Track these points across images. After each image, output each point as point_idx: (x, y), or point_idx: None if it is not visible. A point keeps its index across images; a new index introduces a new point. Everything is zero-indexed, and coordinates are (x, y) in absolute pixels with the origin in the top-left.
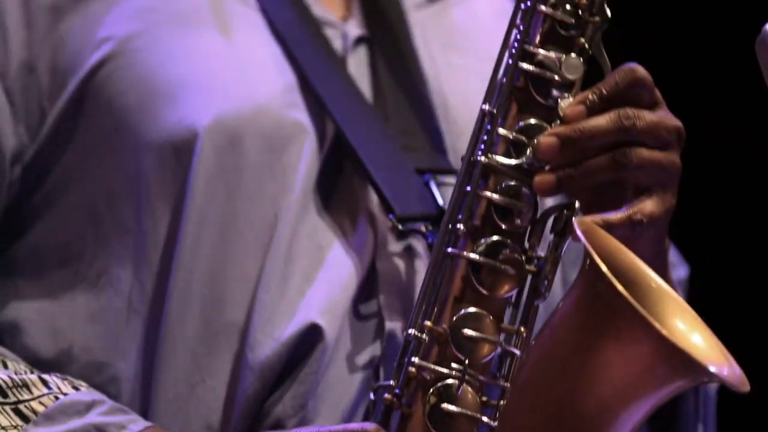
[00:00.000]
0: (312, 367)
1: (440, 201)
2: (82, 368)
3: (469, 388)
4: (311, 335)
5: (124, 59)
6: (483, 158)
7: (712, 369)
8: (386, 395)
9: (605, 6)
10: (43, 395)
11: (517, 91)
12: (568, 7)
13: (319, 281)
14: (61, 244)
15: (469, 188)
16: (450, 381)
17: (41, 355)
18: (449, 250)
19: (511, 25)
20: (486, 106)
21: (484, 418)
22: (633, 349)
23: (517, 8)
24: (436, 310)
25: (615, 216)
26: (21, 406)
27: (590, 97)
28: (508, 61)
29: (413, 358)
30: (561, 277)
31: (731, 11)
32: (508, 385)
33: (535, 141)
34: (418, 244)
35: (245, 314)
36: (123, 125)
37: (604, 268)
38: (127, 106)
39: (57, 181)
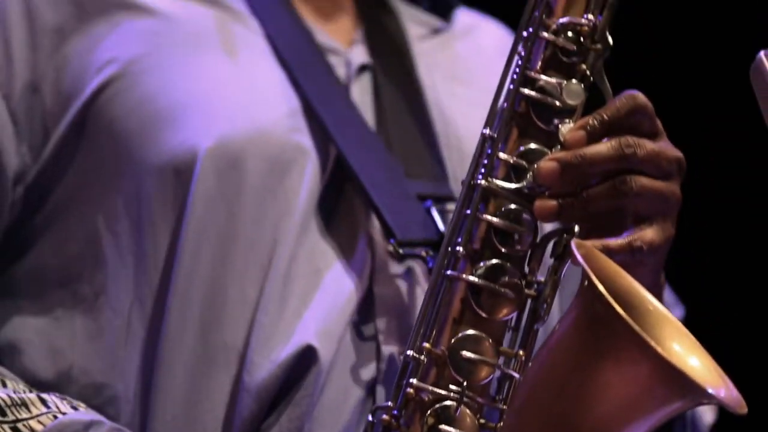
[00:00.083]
0: (308, 389)
1: (441, 227)
2: (82, 389)
3: (468, 410)
4: (307, 357)
5: (127, 81)
6: (483, 182)
7: (711, 391)
8: (384, 416)
9: (607, 34)
10: (42, 414)
11: (518, 116)
12: (569, 34)
13: (316, 303)
14: (61, 265)
15: (468, 211)
16: (448, 403)
17: (40, 377)
18: (448, 272)
19: (513, 52)
20: (487, 131)
21: None
22: (631, 370)
23: (518, 36)
24: (434, 331)
25: (615, 242)
26: (19, 425)
27: (591, 122)
28: (509, 87)
29: (412, 380)
30: (558, 301)
31: (732, 40)
32: (507, 407)
33: (536, 166)
34: (418, 269)
35: (243, 336)
36: (125, 147)
37: (601, 288)
38: (130, 128)
39: (58, 201)
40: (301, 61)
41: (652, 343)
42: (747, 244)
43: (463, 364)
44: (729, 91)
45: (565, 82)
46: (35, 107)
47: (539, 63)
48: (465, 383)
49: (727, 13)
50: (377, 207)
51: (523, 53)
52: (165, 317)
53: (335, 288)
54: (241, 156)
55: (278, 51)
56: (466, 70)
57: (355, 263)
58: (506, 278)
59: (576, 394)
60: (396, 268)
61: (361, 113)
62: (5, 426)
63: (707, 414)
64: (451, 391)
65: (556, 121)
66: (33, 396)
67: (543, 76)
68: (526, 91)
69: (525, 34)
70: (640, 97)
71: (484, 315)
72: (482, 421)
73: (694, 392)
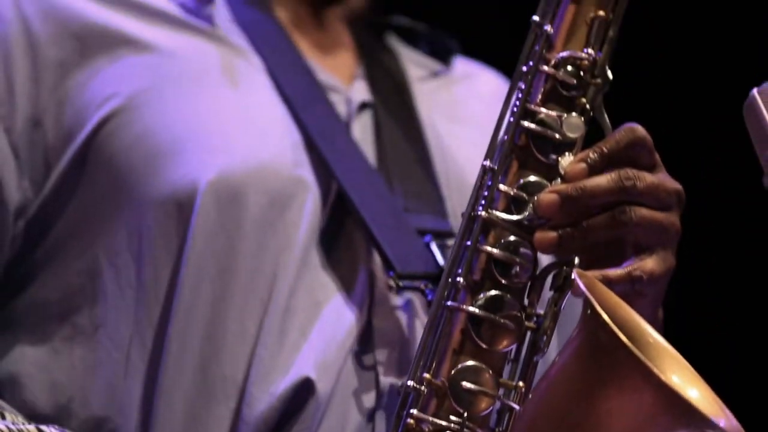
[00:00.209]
0: (306, 422)
1: (440, 261)
2: (82, 423)
3: None
4: (305, 390)
5: (129, 116)
6: (483, 213)
7: (713, 419)
8: None
9: (607, 68)
10: None
11: (518, 149)
12: (569, 68)
13: (315, 336)
14: (62, 298)
15: (469, 242)
16: None
17: (40, 410)
18: (449, 303)
19: (513, 86)
20: (487, 162)
21: None
22: (634, 398)
23: (518, 71)
24: (435, 362)
25: (614, 272)
26: None
27: (591, 155)
28: (509, 119)
29: (412, 410)
30: (555, 333)
31: (727, 75)
32: None
33: (536, 198)
34: (417, 301)
35: (243, 369)
36: (126, 181)
37: (605, 317)
38: (131, 162)
39: (59, 235)
40: (302, 97)
41: (656, 371)
42: (741, 274)
43: (463, 395)
44: (725, 126)
45: (565, 115)
46: (37, 141)
47: (539, 96)
48: (465, 414)
49: (722, 49)
50: (377, 241)
51: (523, 86)
52: (165, 350)
53: (335, 321)
54: (241, 190)
55: (280, 87)
56: (465, 112)
57: (354, 296)
58: (506, 310)
59: (578, 424)
60: (395, 300)
61: (361, 150)
62: None
63: None
64: (452, 422)
65: (556, 153)
66: (32, 428)
67: (543, 109)
68: (527, 123)
69: (525, 67)
70: (639, 129)
71: (484, 346)
72: None
73: (697, 420)
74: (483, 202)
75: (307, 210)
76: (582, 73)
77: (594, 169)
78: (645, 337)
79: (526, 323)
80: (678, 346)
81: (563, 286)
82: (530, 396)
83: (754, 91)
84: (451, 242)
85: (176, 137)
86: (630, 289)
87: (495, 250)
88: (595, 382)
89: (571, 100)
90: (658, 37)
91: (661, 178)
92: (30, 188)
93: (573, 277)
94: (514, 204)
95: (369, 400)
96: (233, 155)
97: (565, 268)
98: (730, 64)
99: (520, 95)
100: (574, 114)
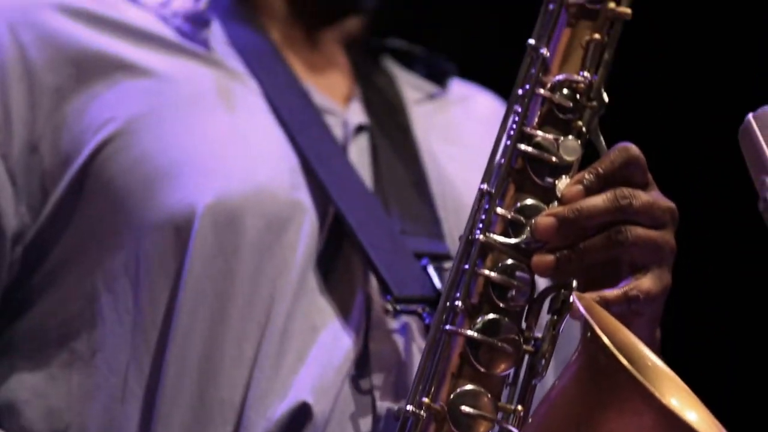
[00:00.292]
0: None
1: (438, 284)
2: None
3: None
4: (302, 414)
5: (126, 140)
6: (481, 237)
7: None
8: None
9: (603, 91)
10: None
11: (515, 172)
12: (566, 91)
13: (312, 360)
14: (59, 324)
15: (467, 266)
16: None
17: None
18: (447, 327)
19: (509, 109)
20: (484, 186)
21: None
22: (634, 421)
23: (514, 94)
24: (433, 386)
25: (611, 293)
26: None
27: (587, 177)
28: (506, 142)
29: None
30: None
31: (727, 93)
32: None
33: (533, 221)
34: (414, 325)
35: (240, 393)
36: (124, 205)
37: (605, 339)
38: (128, 186)
39: (57, 261)
40: (299, 120)
41: (656, 394)
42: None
43: (462, 419)
44: (721, 149)
45: (561, 138)
46: (34, 167)
47: (536, 119)
48: None
49: (717, 73)
50: (374, 264)
51: (519, 109)
52: (162, 375)
53: (331, 345)
54: (239, 213)
55: (276, 110)
56: (461, 133)
57: (351, 320)
58: (504, 333)
59: None
60: (392, 324)
61: (358, 173)
62: None
63: None
64: None
65: (553, 175)
66: None
67: (540, 133)
68: (523, 147)
69: (521, 90)
70: (633, 148)
71: (482, 370)
72: None
73: None
74: (480, 225)
75: (305, 233)
76: (578, 96)
77: (590, 190)
78: (644, 360)
79: (524, 347)
80: (675, 367)
81: (561, 309)
82: (530, 419)
83: (750, 116)
84: (448, 265)
85: (173, 161)
86: (627, 309)
87: (493, 274)
88: (595, 405)
89: (568, 123)
90: (654, 59)
91: (655, 197)
92: (27, 214)
93: (572, 300)
94: (511, 227)
95: (366, 424)
96: (230, 179)
97: (562, 291)
98: (725, 87)
99: (516, 118)
100: (570, 137)
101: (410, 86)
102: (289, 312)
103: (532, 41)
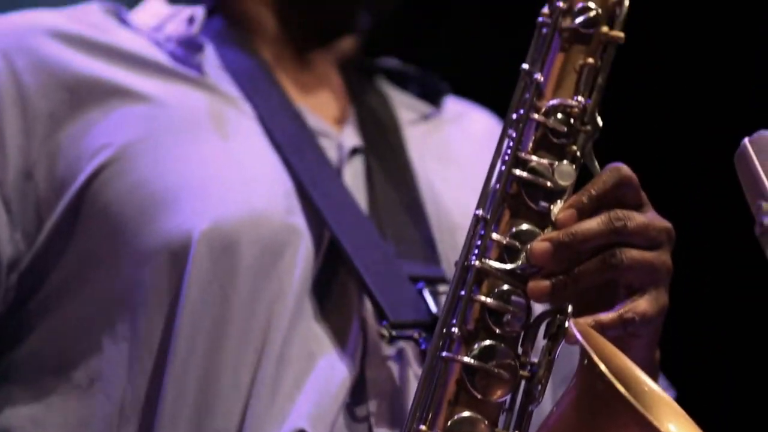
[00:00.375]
0: None
1: (433, 308)
2: None
3: None
4: None
5: (122, 166)
6: (477, 263)
7: None
8: None
9: (597, 115)
10: None
11: (510, 198)
12: (560, 115)
13: (309, 387)
14: (56, 351)
15: (463, 292)
16: None
17: None
18: (444, 353)
19: (504, 133)
20: (480, 212)
21: None
22: None
23: (509, 118)
24: (430, 414)
25: (607, 316)
26: None
27: (580, 200)
28: (501, 168)
29: None
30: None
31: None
32: None
33: (529, 247)
34: (409, 351)
35: (237, 422)
36: (120, 231)
37: (602, 367)
38: (124, 212)
39: (53, 288)
40: (293, 144)
41: (653, 421)
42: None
43: None
44: (715, 166)
45: (556, 163)
46: (29, 194)
47: (530, 144)
48: None
49: (712, 96)
50: (370, 289)
51: (514, 134)
52: (159, 402)
53: (328, 372)
54: (235, 238)
55: (270, 134)
56: (456, 154)
57: (347, 346)
58: (500, 359)
59: None
60: (387, 350)
61: (353, 196)
62: None
63: None
64: None
65: (548, 200)
66: None
67: (534, 158)
68: (518, 172)
69: (515, 115)
70: (625, 169)
71: (479, 396)
72: None
73: None
74: (476, 251)
75: (300, 258)
76: (572, 121)
77: (583, 213)
78: (641, 386)
79: (521, 372)
80: (673, 386)
81: (557, 334)
82: None
83: (746, 140)
84: (443, 288)
85: (169, 187)
86: (623, 332)
87: (489, 300)
88: (592, 431)
89: (562, 148)
90: (647, 83)
91: (650, 217)
92: (22, 241)
93: (568, 325)
94: (507, 253)
95: None
96: (226, 204)
97: (558, 316)
98: (720, 108)
99: (511, 143)
100: (565, 162)
101: (404, 107)
102: (285, 338)
103: (525, 66)
